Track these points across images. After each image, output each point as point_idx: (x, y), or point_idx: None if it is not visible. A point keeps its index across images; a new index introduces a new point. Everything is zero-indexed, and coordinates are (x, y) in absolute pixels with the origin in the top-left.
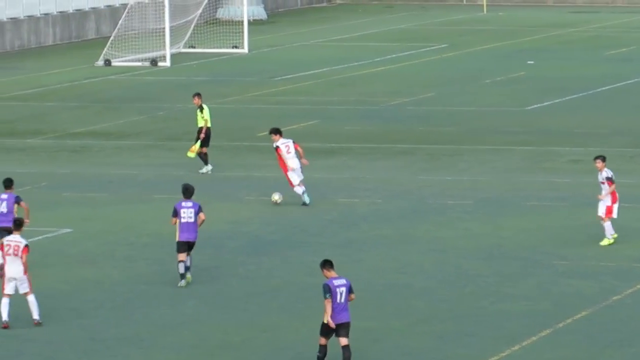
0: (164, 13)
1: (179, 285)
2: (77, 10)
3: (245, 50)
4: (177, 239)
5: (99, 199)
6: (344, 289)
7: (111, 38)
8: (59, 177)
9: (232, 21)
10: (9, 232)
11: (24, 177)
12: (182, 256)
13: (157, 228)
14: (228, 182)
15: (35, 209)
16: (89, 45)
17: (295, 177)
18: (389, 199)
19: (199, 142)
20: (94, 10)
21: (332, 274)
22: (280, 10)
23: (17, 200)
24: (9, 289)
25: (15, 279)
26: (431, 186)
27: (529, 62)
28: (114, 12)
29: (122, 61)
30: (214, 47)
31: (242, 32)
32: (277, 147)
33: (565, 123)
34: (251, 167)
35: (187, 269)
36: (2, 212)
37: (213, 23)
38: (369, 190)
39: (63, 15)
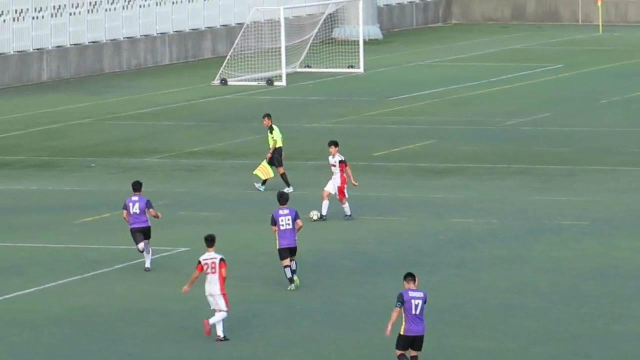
0: (279, 32)
1: (288, 288)
2: (193, 29)
3: (361, 70)
4: (278, 247)
5: (215, 218)
6: (419, 302)
7: (227, 57)
8: (176, 195)
9: (348, 41)
10: (142, 232)
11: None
12: (287, 261)
13: (274, 247)
14: None
15: (153, 228)
16: (205, 65)
17: (331, 188)
18: (504, 219)
19: (265, 162)
20: (211, 29)
21: (411, 285)
22: (395, 30)
23: (148, 206)
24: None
25: (210, 294)
26: (546, 206)
27: None
28: (230, 32)
29: (238, 80)
30: (329, 67)
31: (358, 51)
32: (344, 161)
33: None
34: (367, 187)
35: (293, 272)
36: (135, 212)
37: (329, 43)
38: (484, 210)
39: (179, 34)
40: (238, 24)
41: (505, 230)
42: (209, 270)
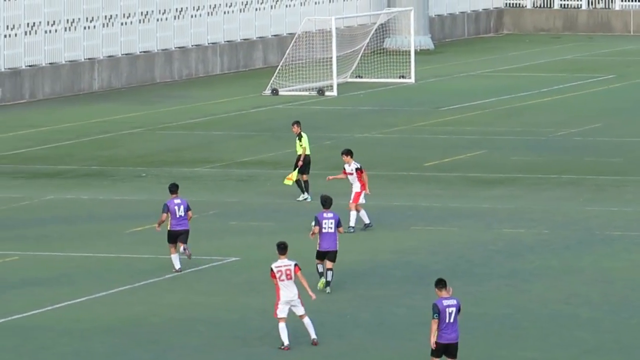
0: (331, 43)
1: (318, 285)
2: (244, 39)
3: (412, 80)
4: (317, 249)
5: (265, 227)
6: (453, 309)
7: (278, 67)
8: (226, 205)
9: (399, 51)
10: (184, 235)
11: (192, 206)
12: (320, 262)
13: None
14: (394, 212)
15: (203, 237)
16: (256, 75)
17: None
18: (555, 230)
19: (296, 170)
20: (262, 39)
21: (444, 293)
22: (447, 40)
23: (189, 208)
24: (283, 312)
25: (290, 301)
26: (597, 217)
27: None
28: (281, 42)
29: (289, 90)
30: (380, 77)
31: (409, 62)
32: (361, 169)
33: None
34: (417, 197)
35: (328, 283)
36: (180, 215)
37: (380, 53)
38: (534, 220)
39: (231, 44)
40: (289, 34)
41: (556, 241)
42: (283, 277)
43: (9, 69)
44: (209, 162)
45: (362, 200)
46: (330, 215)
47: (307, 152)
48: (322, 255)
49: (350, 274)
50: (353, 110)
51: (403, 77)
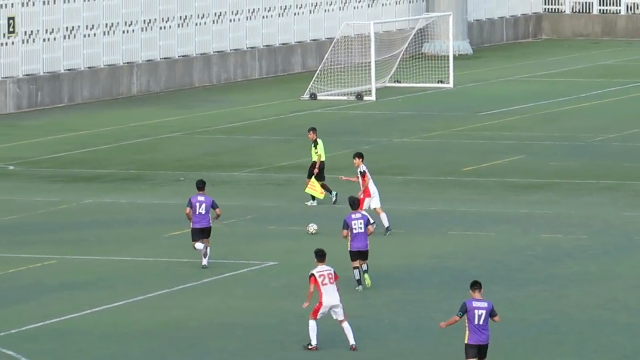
0: (369, 47)
1: (356, 289)
2: (283, 44)
3: (451, 85)
4: (349, 249)
5: (303, 232)
6: (483, 312)
7: (317, 72)
8: (264, 210)
9: (438, 56)
10: (204, 232)
11: (230, 210)
12: (356, 263)
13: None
14: (432, 217)
15: (241, 242)
16: (294, 79)
17: (376, 202)
18: (594, 235)
19: (313, 177)
20: (300, 44)
21: (476, 295)
22: (485, 45)
23: (214, 206)
24: (321, 316)
25: (332, 305)
26: (636, 222)
27: None
28: (320, 46)
29: (328, 95)
30: (419, 82)
31: (448, 66)
32: (365, 172)
33: None
34: (455, 202)
35: (365, 271)
36: (200, 213)
37: (418, 58)
38: (573, 226)
39: (269, 49)
40: (328, 38)
41: (594, 246)
42: (326, 282)
43: (47, 72)
44: (247, 166)
45: (376, 204)
46: (358, 215)
47: (323, 158)
48: (355, 255)
49: (387, 278)
50: (391, 115)
51: (441, 82)
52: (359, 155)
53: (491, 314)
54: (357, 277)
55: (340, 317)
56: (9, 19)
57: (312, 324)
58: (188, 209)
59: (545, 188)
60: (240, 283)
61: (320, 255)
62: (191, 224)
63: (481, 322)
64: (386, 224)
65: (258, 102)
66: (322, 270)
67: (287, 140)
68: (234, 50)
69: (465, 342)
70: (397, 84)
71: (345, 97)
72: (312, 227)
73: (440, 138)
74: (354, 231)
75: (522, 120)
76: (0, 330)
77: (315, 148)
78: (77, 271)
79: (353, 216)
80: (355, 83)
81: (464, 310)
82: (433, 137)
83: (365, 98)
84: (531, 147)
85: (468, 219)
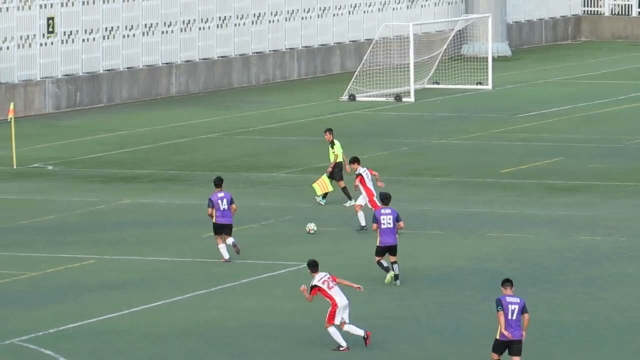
0: (408, 49)
1: (391, 281)
2: (322, 45)
3: (490, 86)
4: (378, 244)
5: (340, 233)
6: (515, 307)
7: (356, 73)
8: (303, 211)
9: (477, 57)
10: (228, 228)
11: (268, 211)
12: (380, 258)
13: (400, 263)
14: (470, 218)
15: (280, 243)
16: (333, 80)
17: (361, 200)
18: (632, 237)
19: (325, 176)
20: (339, 45)
21: (508, 291)
22: (524, 47)
23: (232, 201)
24: (338, 319)
25: (346, 305)
26: None
27: None
28: (358, 48)
29: (367, 96)
30: (458, 83)
31: (487, 68)
32: (360, 174)
33: None
34: (494, 204)
35: (396, 277)
36: (224, 209)
37: (457, 59)
38: (612, 228)
39: (308, 50)
40: (367, 39)
41: (633, 248)
42: (332, 285)
43: (86, 73)
44: (285, 167)
45: (360, 201)
46: (388, 211)
47: (340, 159)
48: (382, 251)
49: (425, 280)
50: (430, 117)
51: (480, 83)
52: (355, 161)
53: (523, 310)
54: (385, 264)
55: (347, 319)
56: (49, 19)
57: (333, 330)
58: (210, 210)
59: (583, 190)
60: (279, 284)
61: (314, 266)
62: (214, 219)
63: (514, 318)
64: (362, 223)
65: (297, 103)
66: (321, 278)
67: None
68: (273, 51)
69: (497, 337)
70: (436, 86)
71: (384, 99)
72: (311, 227)
73: (479, 140)
74: (383, 226)
75: (561, 122)
76: (38, 329)
77: (333, 148)
78: (116, 271)
79: (382, 211)
80: (394, 84)
81: (501, 305)
82: (472, 139)
83: (404, 99)
84: (570, 149)
85: (506, 220)
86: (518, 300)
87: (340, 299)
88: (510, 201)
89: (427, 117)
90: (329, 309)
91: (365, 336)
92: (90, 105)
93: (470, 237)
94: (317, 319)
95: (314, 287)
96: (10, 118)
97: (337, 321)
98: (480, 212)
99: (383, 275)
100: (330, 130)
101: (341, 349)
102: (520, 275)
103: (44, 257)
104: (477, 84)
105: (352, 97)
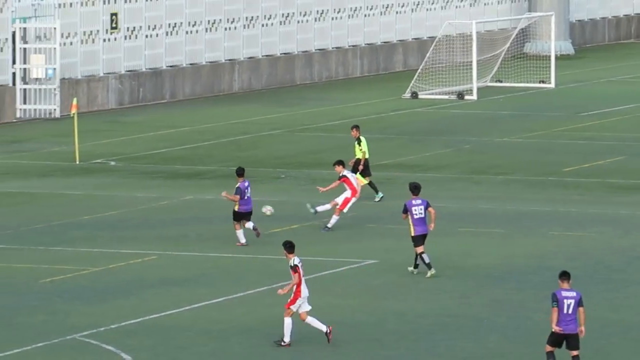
0: (471, 47)
1: (428, 275)
2: (385, 42)
3: (552, 85)
4: (412, 234)
5: (402, 231)
6: (572, 301)
7: (418, 71)
8: (365, 208)
9: (540, 56)
10: (248, 215)
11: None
12: (421, 248)
13: (461, 261)
14: (532, 217)
15: (340, 241)
16: (396, 78)
17: (340, 199)
18: None
19: (358, 174)
20: (402, 42)
21: (565, 285)
22: (587, 45)
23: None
24: (300, 308)
25: (307, 297)
26: None
27: None
28: (421, 45)
29: (429, 94)
30: (520, 82)
31: (550, 67)
32: (345, 176)
33: None
34: (556, 202)
35: (421, 255)
36: (248, 197)
37: (520, 57)
38: None
39: (371, 47)
40: (430, 37)
41: None
42: (303, 273)
43: (149, 69)
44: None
45: (340, 199)
46: (419, 201)
47: (367, 155)
48: (419, 240)
49: (486, 278)
50: (492, 115)
51: (543, 82)
52: (340, 163)
53: (579, 304)
54: (427, 260)
55: (309, 310)
56: (112, 15)
57: (289, 322)
58: (237, 197)
59: None
60: (340, 281)
61: (291, 247)
62: (236, 207)
63: (569, 312)
64: (330, 224)
65: (359, 101)
66: (300, 261)
67: (388, 139)
68: (336, 48)
69: (552, 330)
70: (498, 84)
71: (446, 96)
72: (268, 209)
73: (542, 138)
74: (415, 216)
75: (624, 121)
76: (100, 325)
77: (359, 145)
78: (177, 267)
79: (413, 202)
80: (456, 82)
81: (557, 300)
82: (534, 137)
83: (467, 97)
84: (633, 148)
85: (569, 219)
86: (574, 294)
87: (305, 291)
88: (572, 200)
89: (489, 115)
90: (291, 297)
91: (328, 331)
92: (153, 101)
93: (532, 236)
94: (380, 316)
95: (295, 266)
96: (73, 114)
97: (295, 309)
98: (543, 211)
99: (444, 273)
100: (357, 126)
101: (283, 344)
102: (582, 274)
103: (106, 252)
104: (539, 83)
105: (414, 95)
